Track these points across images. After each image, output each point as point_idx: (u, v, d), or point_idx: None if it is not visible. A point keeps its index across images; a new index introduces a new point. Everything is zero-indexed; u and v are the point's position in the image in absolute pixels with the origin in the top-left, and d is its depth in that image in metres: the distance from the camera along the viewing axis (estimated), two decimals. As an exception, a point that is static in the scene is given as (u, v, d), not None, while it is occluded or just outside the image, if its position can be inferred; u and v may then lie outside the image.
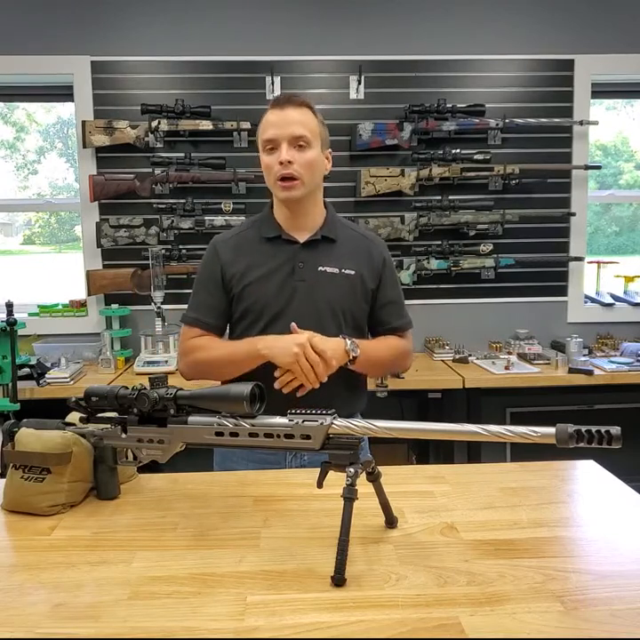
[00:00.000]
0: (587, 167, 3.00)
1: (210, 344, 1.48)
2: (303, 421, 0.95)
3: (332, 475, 0.95)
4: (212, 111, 2.89)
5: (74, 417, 1.18)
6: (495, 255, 3.01)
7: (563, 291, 3.16)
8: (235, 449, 1.43)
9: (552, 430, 0.82)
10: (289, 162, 1.39)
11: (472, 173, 2.95)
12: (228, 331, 1.56)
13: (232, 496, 1.18)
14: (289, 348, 1.33)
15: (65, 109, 3.51)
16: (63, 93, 3.04)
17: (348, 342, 1.40)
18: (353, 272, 1.49)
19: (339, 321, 1.48)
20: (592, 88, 3.04)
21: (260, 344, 1.37)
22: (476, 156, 2.95)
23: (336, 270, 1.48)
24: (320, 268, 1.47)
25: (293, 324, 1.38)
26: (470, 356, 2.87)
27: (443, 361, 2.87)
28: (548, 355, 2.83)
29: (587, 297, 3.22)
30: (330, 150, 1.51)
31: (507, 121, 2.93)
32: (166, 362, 2.71)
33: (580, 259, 3.10)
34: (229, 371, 1.42)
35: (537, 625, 0.78)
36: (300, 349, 1.32)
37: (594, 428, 0.80)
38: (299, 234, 1.49)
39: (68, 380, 2.56)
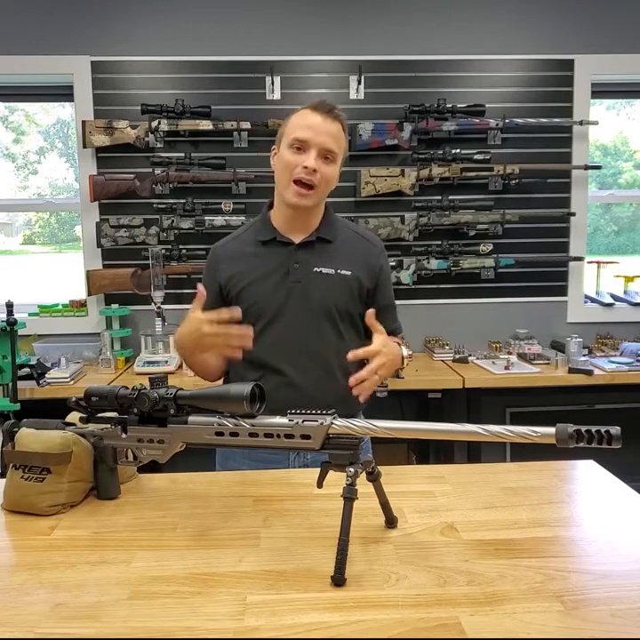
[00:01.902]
0: (587, 167, 3.00)
1: None
2: (303, 421, 0.95)
3: (332, 475, 0.95)
4: (212, 111, 2.89)
5: (74, 417, 1.18)
6: (495, 255, 3.01)
7: (563, 291, 3.17)
8: (236, 448, 1.44)
9: (552, 430, 0.82)
10: (314, 170, 1.39)
11: (472, 173, 2.95)
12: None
13: (232, 496, 1.18)
14: (199, 343, 1.33)
15: (64, 110, 3.51)
16: (63, 93, 3.04)
17: (405, 350, 1.46)
18: (349, 273, 1.50)
19: (335, 321, 1.48)
20: (592, 88, 3.04)
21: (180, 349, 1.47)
22: (476, 156, 2.95)
23: (332, 271, 1.48)
24: (315, 269, 1.48)
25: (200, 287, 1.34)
26: (470, 356, 2.88)
27: (443, 361, 2.87)
28: (547, 355, 2.83)
29: (587, 297, 3.22)
30: (341, 168, 1.52)
31: (507, 121, 2.94)
32: (166, 362, 2.72)
33: (579, 259, 3.10)
34: (188, 361, 1.53)
35: (537, 625, 0.78)
36: (209, 339, 1.30)
37: (594, 428, 0.80)
38: (294, 235, 1.50)
39: (68, 379, 2.56)
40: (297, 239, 1.49)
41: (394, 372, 1.47)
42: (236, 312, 1.29)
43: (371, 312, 1.37)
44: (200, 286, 1.33)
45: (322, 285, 1.47)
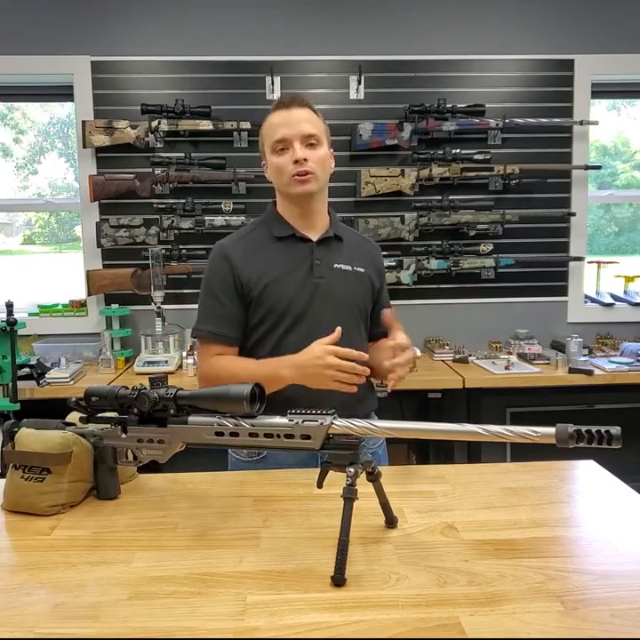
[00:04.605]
0: (587, 167, 3.00)
1: (231, 366, 1.41)
2: (303, 421, 0.95)
3: (332, 475, 0.95)
4: (212, 111, 2.89)
5: (74, 417, 1.18)
6: (495, 255, 3.01)
7: (563, 291, 3.17)
8: (251, 464, 1.43)
9: (552, 430, 0.82)
10: (305, 159, 1.39)
11: (472, 173, 2.95)
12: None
13: (232, 496, 1.18)
14: (317, 376, 1.27)
15: (64, 109, 3.51)
16: (63, 93, 3.04)
17: (418, 351, 1.44)
18: (363, 270, 1.51)
19: (356, 317, 1.49)
20: (592, 88, 3.04)
21: (284, 371, 1.31)
22: (475, 156, 2.95)
23: (349, 268, 1.49)
24: (335, 266, 1.47)
25: (338, 328, 1.30)
26: (470, 356, 2.87)
27: (443, 361, 2.87)
28: (547, 355, 2.83)
29: (587, 297, 3.22)
30: (332, 149, 1.52)
31: (507, 121, 2.93)
32: (166, 362, 2.71)
33: (580, 259, 3.10)
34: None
35: (537, 625, 0.78)
36: (331, 371, 1.25)
37: (594, 428, 0.80)
38: (310, 232, 1.48)
39: (68, 379, 2.56)
40: (313, 236, 1.48)
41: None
42: (364, 355, 1.27)
43: (388, 312, 1.39)
44: (338, 328, 1.29)
45: (344, 282, 1.47)
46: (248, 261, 1.44)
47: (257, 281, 1.42)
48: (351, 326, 1.45)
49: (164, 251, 2.89)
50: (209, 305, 1.46)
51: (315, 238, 1.48)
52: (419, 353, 1.47)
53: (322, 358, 1.25)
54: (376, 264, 1.57)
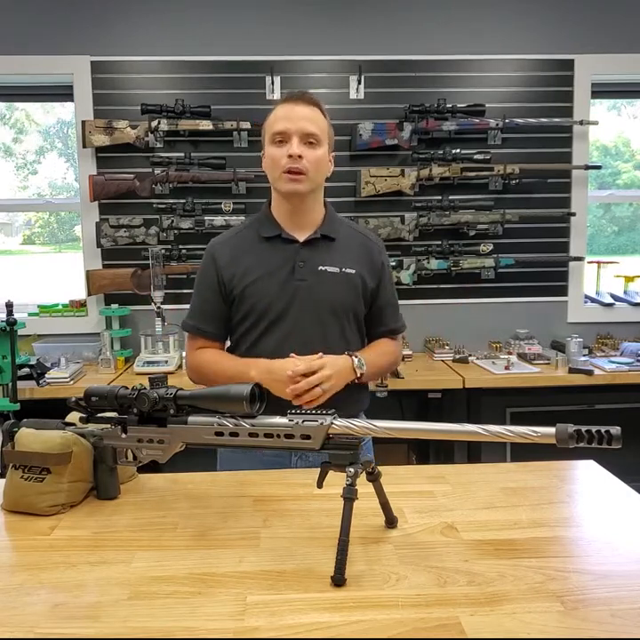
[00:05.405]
0: (587, 167, 3.00)
1: (214, 360, 1.48)
2: (303, 421, 0.95)
3: (332, 475, 0.95)
4: (212, 111, 2.89)
5: (74, 417, 1.18)
6: (495, 255, 3.01)
7: (563, 291, 3.16)
8: (238, 453, 1.43)
9: (552, 430, 0.82)
10: (299, 156, 1.39)
11: (472, 173, 2.95)
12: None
13: (232, 496, 1.18)
14: (281, 383, 1.31)
15: (64, 109, 3.51)
16: (63, 93, 3.04)
17: (356, 360, 1.41)
18: (353, 271, 1.49)
19: (340, 320, 1.47)
20: (592, 88, 3.04)
21: (253, 372, 1.37)
22: (475, 156, 2.95)
23: (337, 270, 1.47)
24: (320, 268, 1.46)
25: (292, 354, 1.35)
26: (470, 356, 2.87)
27: (443, 361, 2.87)
28: (548, 355, 2.83)
29: (587, 297, 3.22)
30: (334, 153, 1.52)
31: (507, 121, 2.93)
32: (166, 362, 2.71)
33: (580, 259, 3.10)
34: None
35: (537, 625, 0.78)
36: (291, 382, 1.30)
37: (594, 428, 0.80)
38: (298, 232, 1.48)
39: (68, 380, 2.56)
40: (301, 237, 1.48)
41: (346, 382, 1.40)
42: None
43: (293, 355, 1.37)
44: (320, 354, 1.35)
45: (328, 284, 1.46)
46: (233, 260, 1.47)
47: (239, 280, 1.46)
48: (333, 330, 1.45)
49: (163, 251, 2.89)
50: (195, 301, 1.54)
51: (302, 239, 1.48)
52: (357, 362, 1.42)
53: (287, 371, 1.31)
54: (373, 263, 1.53)
